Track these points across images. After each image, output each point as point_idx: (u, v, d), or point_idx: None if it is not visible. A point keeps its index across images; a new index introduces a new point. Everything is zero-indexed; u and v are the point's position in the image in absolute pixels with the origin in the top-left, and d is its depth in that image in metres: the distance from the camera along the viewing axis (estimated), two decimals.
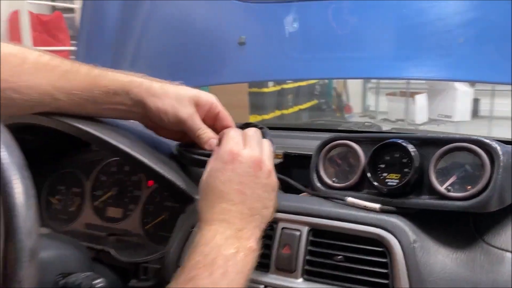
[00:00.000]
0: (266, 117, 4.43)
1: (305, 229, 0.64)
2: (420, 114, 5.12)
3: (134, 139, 0.74)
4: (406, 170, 0.63)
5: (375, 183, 0.64)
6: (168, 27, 1.32)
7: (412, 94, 5.15)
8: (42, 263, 0.48)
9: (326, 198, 0.68)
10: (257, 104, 4.43)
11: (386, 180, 0.64)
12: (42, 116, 0.68)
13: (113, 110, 0.69)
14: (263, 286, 0.63)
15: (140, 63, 1.29)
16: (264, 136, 0.74)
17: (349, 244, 0.61)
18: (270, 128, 0.77)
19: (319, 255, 0.62)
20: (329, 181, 0.70)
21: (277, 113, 4.69)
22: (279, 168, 0.71)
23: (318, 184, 0.70)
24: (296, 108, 5.12)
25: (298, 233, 0.64)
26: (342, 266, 0.61)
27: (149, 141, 0.75)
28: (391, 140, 0.65)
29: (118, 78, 0.67)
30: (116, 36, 1.36)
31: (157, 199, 0.87)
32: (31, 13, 3.78)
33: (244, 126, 0.73)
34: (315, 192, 0.70)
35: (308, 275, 0.62)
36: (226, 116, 0.69)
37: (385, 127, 1.41)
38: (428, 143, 0.63)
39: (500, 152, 0.57)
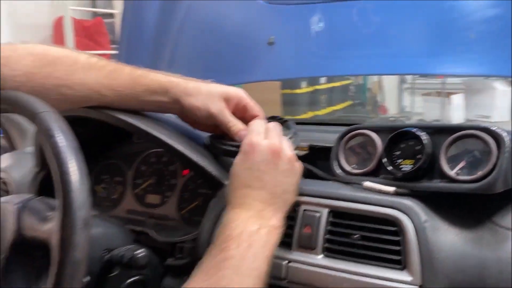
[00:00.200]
0: (299, 118, 4.46)
1: (325, 211, 0.69)
2: (456, 114, 5.03)
3: (172, 131, 0.82)
4: (419, 156, 0.68)
5: (390, 168, 0.69)
6: (202, 30, 1.40)
7: (448, 94, 5.07)
8: (90, 239, 0.56)
9: (345, 183, 0.74)
10: (290, 105, 4.47)
11: (401, 166, 0.69)
12: (92, 110, 0.77)
13: (153, 105, 0.78)
14: (286, 261, 0.69)
15: (176, 64, 1.38)
16: (288, 128, 0.80)
17: (365, 224, 0.66)
18: (297, 123, 0.83)
19: (337, 234, 0.68)
20: (348, 168, 0.75)
21: (310, 114, 4.71)
22: (304, 159, 0.78)
23: (338, 171, 0.76)
24: (329, 109, 5.12)
25: (318, 214, 0.69)
26: (359, 244, 0.66)
27: (185, 133, 0.83)
28: (405, 129, 0.70)
29: (158, 78, 0.76)
30: (154, 40, 1.46)
31: (192, 186, 0.95)
32: (73, 19, 3.98)
33: (270, 119, 0.80)
34: (335, 178, 0.76)
35: (328, 252, 0.68)
36: (253, 107, 0.76)
37: None
38: (439, 131, 0.68)
39: (506, 139, 0.61)
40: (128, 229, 0.84)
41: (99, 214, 0.99)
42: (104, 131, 0.99)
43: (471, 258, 0.60)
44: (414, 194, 0.67)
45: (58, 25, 4.10)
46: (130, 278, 0.76)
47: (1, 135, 1.20)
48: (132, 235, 0.84)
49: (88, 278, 0.66)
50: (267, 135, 0.69)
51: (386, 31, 1.10)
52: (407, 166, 0.69)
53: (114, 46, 4.39)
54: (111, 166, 1.06)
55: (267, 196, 0.65)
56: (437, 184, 0.66)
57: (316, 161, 0.93)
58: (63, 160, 0.56)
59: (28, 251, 0.61)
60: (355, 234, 0.66)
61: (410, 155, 0.69)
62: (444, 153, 0.66)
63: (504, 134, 0.62)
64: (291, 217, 0.70)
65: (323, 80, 4.96)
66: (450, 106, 5.02)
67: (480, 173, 0.62)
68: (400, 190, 0.68)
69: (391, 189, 0.68)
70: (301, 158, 0.73)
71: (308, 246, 0.68)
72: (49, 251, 0.56)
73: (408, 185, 0.68)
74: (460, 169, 0.64)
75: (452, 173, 0.65)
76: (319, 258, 0.67)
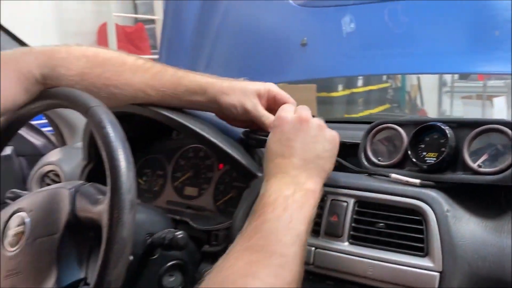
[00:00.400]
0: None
1: (351, 201, 0.73)
2: (499, 117, 4.89)
3: (210, 127, 0.88)
4: (443, 149, 0.70)
5: (415, 161, 0.72)
6: (238, 33, 1.47)
7: (490, 97, 4.93)
8: (134, 224, 0.61)
9: (372, 174, 0.77)
10: (326, 108, 4.47)
11: (425, 158, 0.72)
12: (138, 106, 0.84)
13: (192, 104, 0.84)
14: (314, 248, 0.73)
15: (213, 65, 1.45)
16: None
17: (389, 214, 0.70)
18: (327, 122, 0.87)
19: (363, 223, 0.72)
20: (375, 160, 0.79)
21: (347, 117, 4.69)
22: None
23: (365, 163, 0.80)
24: (366, 113, 5.06)
25: (345, 204, 0.73)
26: (383, 232, 0.69)
27: (221, 129, 0.89)
28: (430, 123, 0.73)
29: (197, 79, 0.82)
30: (193, 43, 1.54)
31: (227, 180, 1.00)
32: (116, 25, 4.16)
33: None
34: (362, 170, 0.79)
35: (353, 239, 0.71)
36: (283, 96, 0.80)
37: None
38: (463, 125, 0.70)
39: None
40: (169, 217, 0.91)
41: (142, 203, 1.06)
42: (146, 128, 1.06)
43: (491, 246, 0.62)
44: (438, 186, 0.69)
45: (102, 31, 4.29)
46: (169, 261, 0.82)
47: (53, 132, 1.30)
48: (172, 223, 0.90)
49: (131, 258, 0.72)
50: (296, 111, 0.71)
51: (417, 30, 1.13)
52: (431, 158, 0.72)
53: (154, 51, 4.55)
54: (153, 161, 1.13)
55: (299, 162, 0.66)
56: (460, 175, 0.68)
57: (345, 157, 0.96)
58: (113, 149, 0.62)
59: (81, 230, 0.68)
60: (380, 223, 0.70)
61: (435, 148, 0.72)
62: (467, 146, 0.69)
63: None
64: (319, 206, 0.74)
65: (360, 83, 4.92)
66: (493, 108, 4.88)
67: (501, 166, 0.64)
68: (425, 182, 0.71)
69: (417, 181, 0.71)
70: None
71: (335, 234, 0.72)
72: (100, 231, 0.62)
73: (432, 176, 0.71)
74: (483, 161, 0.67)
75: (474, 165, 0.67)
76: (345, 245, 0.71)
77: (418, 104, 6.03)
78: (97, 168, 1.02)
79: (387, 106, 5.54)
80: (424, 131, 0.74)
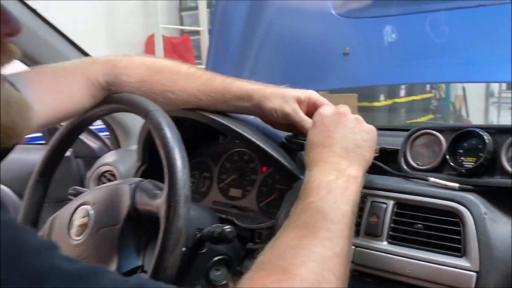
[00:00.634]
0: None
1: (391, 203, 0.77)
2: None
3: (255, 131, 0.94)
4: (481, 154, 0.73)
5: (453, 165, 0.75)
6: (281, 42, 1.53)
7: None
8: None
9: (411, 178, 0.80)
10: (367, 118, 4.43)
11: (463, 163, 0.75)
12: (191, 111, 0.91)
13: (238, 109, 0.90)
14: (354, 247, 0.77)
15: (257, 73, 1.51)
16: None
17: (427, 215, 0.73)
18: None
19: (401, 223, 0.75)
20: (414, 164, 0.82)
21: None
22: (376, 159, 0.85)
23: (405, 167, 0.83)
24: (409, 123, 5.00)
25: (385, 205, 0.77)
26: (421, 233, 0.72)
27: (265, 133, 0.95)
28: (469, 129, 0.75)
29: (243, 86, 0.88)
30: (239, 52, 1.61)
31: (270, 182, 1.05)
32: (164, 36, 4.32)
33: None
34: (402, 173, 0.82)
35: (391, 239, 0.75)
36: (323, 101, 0.84)
37: None
38: (502, 131, 0.73)
39: None
40: (215, 215, 0.97)
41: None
42: (195, 132, 1.13)
43: None
44: (475, 190, 0.72)
45: (150, 42, 4.47)
46: (216, 256, 0.88)
47: (108, 136, 1.40)
48: (218, 220, 0.96)
49: (184, 249, 0.78)
50: (337, 107, 0.75)
51: (460, 39, 1.14)
52: (469, 163, 0.74)
53: (197, 61, 4.69)
54: (200, 163, 1.20)
55: (340, 151, 0.68)
56: (497, 180, 0.71)
57: (385, 162, 1.00)
58: (170, 148, 0.69)
59: (139, 222, 0.75)
60: (418, 224, 0.73)
61: (473, 153, 0.74)
62: (505, 151, 0.71)
63: None
64: (360, 208, 0.78)
65: (402, 93, 4.87)
66: None
67: None
68: (464, 186, 0.73)
69: (455, 185, 0.74)
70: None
71: (374, 234, 0.76)
72: (156, 224, 0.69)
73: (470, 180, 0.73)
74: None
75: None
76: (384, 244, 0.75)
77: (463, 115, 5.88)
78: (150, 169, 1.10)
79: (430, 116, 5.43)
80: (463, 137, 0.76)
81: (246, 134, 0.91)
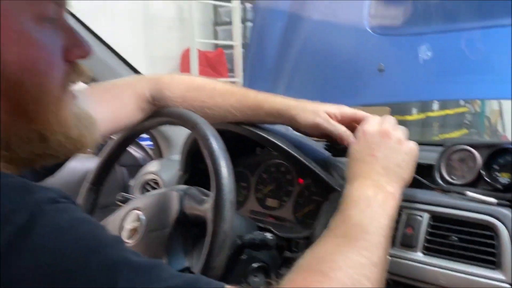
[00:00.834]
0: None
1: (426, 215, 0.79)
2: None
3: (292, 143, 0.98)
4: None
5: (489, 180, 0.77)
6: (317, 58, 1.57)
7: None
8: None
9: (446, 192, 0.83)
10: None
11: (498, 178, 0.77)
12: (231, 124, 0.97)
13: (272, 123, 0.95)
14: (390, 257, 0.80)
15: (293, 87, 1.56)
16: None
17: (462, 228, 0.75)
18: None
19: (436, 235, 0.77)
20: (448, 179, 0.84)
21: None
22: None
23: (440, 181, 0.85)
24: (442, 137, 4.94)
25: (420, 218, 0.80)
26: (456, 245, 0.75)
27: (300, 145, 0.99)
28: (504, 145, 0.78)
29: (275, 104, 0.92)
30: (275, 67, 1.66)
31: (306, 193, 1.09)
32: (199, 50, 4.44)
33: None
34: (437, 187, 0.85)
35: (426, 250, 0.77)
36: (358, 112, 0.86)
37: None
38: None
39: None
40: (254, 223, 1.01)
41: None
42: (234, 144, 1.18)
43: None
44: (510, 205, 0.74)
45: (185, 56, 4.59)
46: (255, 263, 0.92)
47: (152, 146, 1.47)
48: (257, 228, 1.01)
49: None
50: (380, 123, 0.78)
51: (494, 57, 1.16)
52: (504, 179, 0.76)
53: (230, 74, 4.79)
54: (238, 174, 1.24)
55: (380, 169, 0.72)
56: None
57: (420, 176, 1.02)
58: (216, 157, 0.74)
59: (187, 226, 0.80)
60: (453, 236, 0.75)
61: (508, 169, 0.77)
62: None
63: None
64: (395, 220, 0.81)
65: (435, 107, 4.82)
66: None
67: None
68: (501, 201, 0.75)
69: (494, 200, 0.76)
70: None
71: (409, 245, 0.79)
72: (203, 228, 0.74)
73: (506, 196, 0.75)
74: None
75: None
76: (419, 255, 0.77)
77: (499, 130, 5.75)
78: (192, 178, 1.15)
79: (464, 131, 5.34)
80: (498, 154, 0.79)
81: (284, 146, 0.96)
